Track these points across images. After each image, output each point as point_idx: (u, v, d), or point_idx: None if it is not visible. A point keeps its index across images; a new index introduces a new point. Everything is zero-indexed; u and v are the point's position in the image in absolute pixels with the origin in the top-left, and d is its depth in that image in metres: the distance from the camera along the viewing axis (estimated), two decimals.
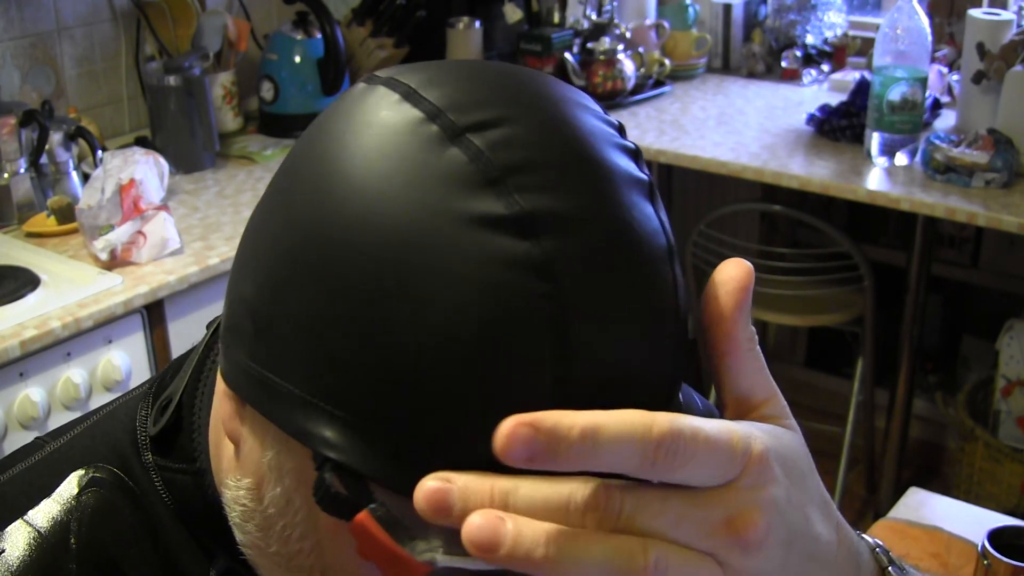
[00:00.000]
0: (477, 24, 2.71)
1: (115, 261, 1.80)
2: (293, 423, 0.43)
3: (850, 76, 2.62)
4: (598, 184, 0.43)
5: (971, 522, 1.25)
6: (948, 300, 2.89)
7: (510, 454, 0.36)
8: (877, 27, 2.32)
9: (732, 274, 0.45)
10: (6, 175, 1.96)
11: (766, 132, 2.44)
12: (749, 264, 0.45)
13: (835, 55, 2.80)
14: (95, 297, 1.71)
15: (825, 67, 2.79)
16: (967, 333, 2.88)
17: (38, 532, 0.56)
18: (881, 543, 0.51)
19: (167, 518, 0.58)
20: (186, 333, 1.84)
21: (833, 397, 2.92)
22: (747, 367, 0.45)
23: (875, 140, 2.22)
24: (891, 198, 2.13)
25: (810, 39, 2.82)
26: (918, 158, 2.21)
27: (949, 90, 2.54)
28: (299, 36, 2.43)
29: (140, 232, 1.81)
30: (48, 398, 1.66)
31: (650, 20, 2.87)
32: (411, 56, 2.66)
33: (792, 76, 2.79)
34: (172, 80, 2.20)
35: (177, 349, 1.84)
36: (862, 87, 2.36)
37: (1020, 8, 2.41)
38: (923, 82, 2.19)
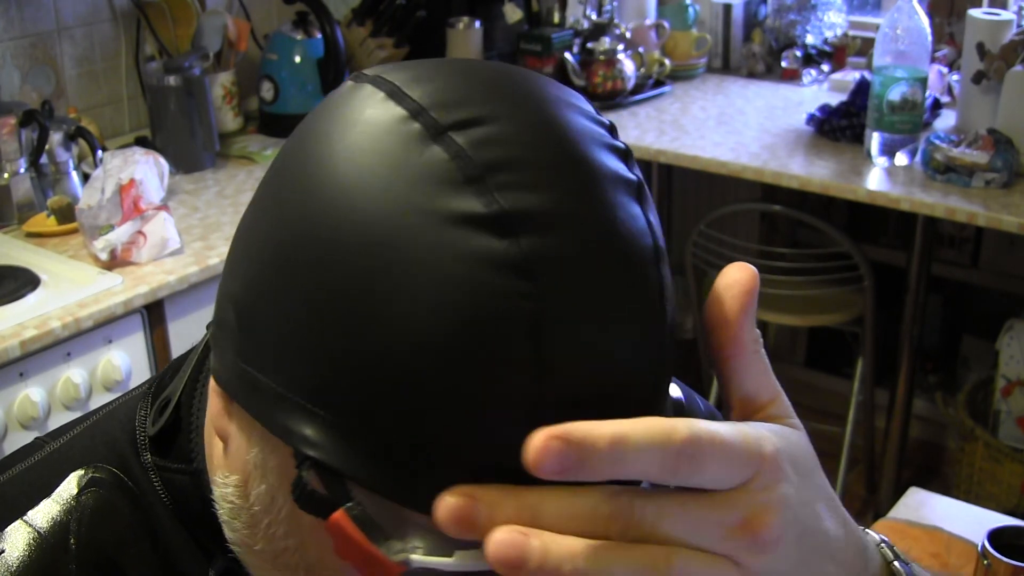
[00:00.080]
0: (477, 24, 2.71)
1: (115, 261, 1.80)
2: (275, 420, 0.43)
3: (850, 76, 2.62)
4: (582, 183, 0.42)
5: (971, 522, 1.25)
6: (948, 300, 2.89)
7: (542, 467, 0.37)
8: (877, 27, 2.32)
9: (737, 278, 0.45)
10: (6, 175, 1.96)
11: (766, 132, 2.44)
12: (753, 268, 0.45)
13: (835, 55, 2.80)
14: (95, 297, 1.71)
15: (825, 67, 2.79)
16: (967, 333, 2.88)
17: (38, 532, 0.56)
18: (886, 538, 0.51)
19: (166, 518, 0.58)
20: (186, 333, 1.84)
21: (833, 397, 2.91)
22: (753, 368, 0.45)
23: (875, 140, 2.22)
24: (891, 198, 2.13)
25: (810, 39, 2.82)
26: (918, 158, 2.21)
27: (949, 90, 2.54)
28: (299, 36, 2.43)
29: (140, 232, 1.81)
30: (48, 398, 1.66)
31: (650, 20, 2.87)
32: (411, 56, 2.66)
33: (792, 76, 2.79)
34: (172, 80, 2.20)
35: (177, 349, 1.84)
36: (862, 87, 2.36)
37: (1020, 8, 2.41)
38: (923, 82, 2.19)
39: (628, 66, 2.65)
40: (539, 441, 0.37)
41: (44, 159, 2.00)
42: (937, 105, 2.45)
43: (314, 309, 0.42)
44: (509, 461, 0.39)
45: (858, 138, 2.31)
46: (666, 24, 2.84)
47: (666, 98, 2.70)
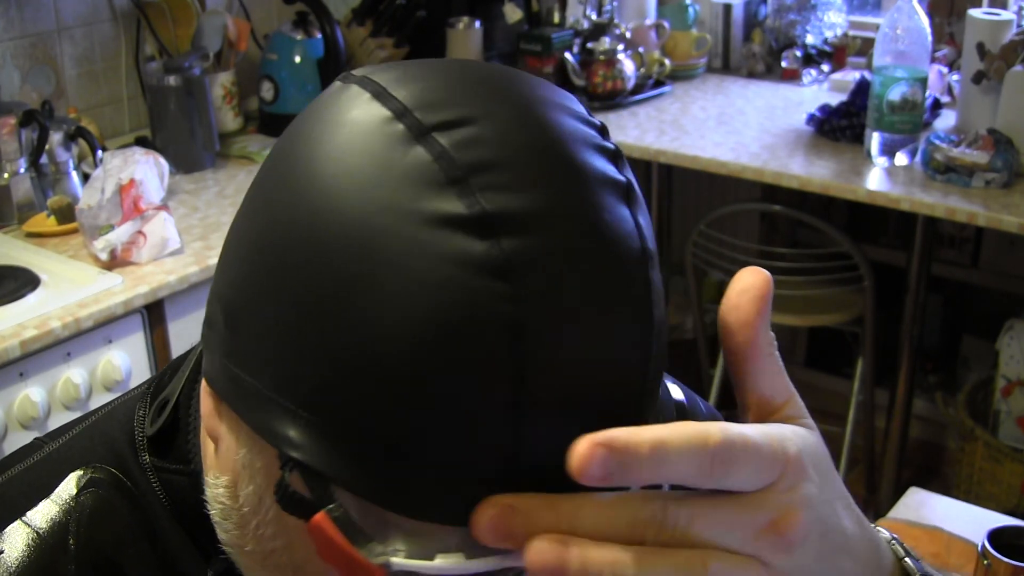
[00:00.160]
0: (477, 24, 2.71)
1: (115, 261, 1.80)
2: (260, 421, 0.43)
3: (850, 76, 2.62)
4: (566, 185, 0.42)
5: (971, 522, 1.25)
6: (948, 300, 2.89)
7: (587, 474, 0.37)
8: (877, 27, 2.32)
9: (752, 282, 0.45)
10: (6, 175, 1.96)
11: (766, 132, 2.44)
12: (767, 273, 0.46)
13: (835, 55, 2.80)
14: (95, 297, 1.71)
15: (825, 67, 2.79)
16: (967, 333, 2.88)
17: (37, 533, 0.56)
18: (896, 535, 0.52)
19: (165, 519, 0.58)
20: (186, 333, 1.85)
21: (833, 397, 2.91)
22: (768, 370, 0.46)
23: (875, 140, 2.22)
24: (891, 198, 2.13)
25: (810, 39, 2.82)
26: (918, 158, 2.21)
27: (949, 90, 2.54)
28: (299, 36, 2.43)
29: (140, 232, 1.81)
30: (48, 398, 1.66)
31: (650, 20, 2.87)
32: (411, 56, 2.66)
33: (792, 76, 2.78)
34: (172, 80, 2.20)
35: (177, 349, 1.84)
36: (862, 87, 2.36)
37: (1020, 8, 2.41)
38: (923, 82, 2.19)
39: (628, 66, 2.65)
40: (584, 448, 0.37)
41: (44, 159, 2.00)
42: (937, 105, 2.45)
43: (298, 310, 0.42)
44: (491, 463, 0.40)
45: (858, 138, 2.31)
46: (666, 24, 2.84)
47: (666, 98, 2.70)
